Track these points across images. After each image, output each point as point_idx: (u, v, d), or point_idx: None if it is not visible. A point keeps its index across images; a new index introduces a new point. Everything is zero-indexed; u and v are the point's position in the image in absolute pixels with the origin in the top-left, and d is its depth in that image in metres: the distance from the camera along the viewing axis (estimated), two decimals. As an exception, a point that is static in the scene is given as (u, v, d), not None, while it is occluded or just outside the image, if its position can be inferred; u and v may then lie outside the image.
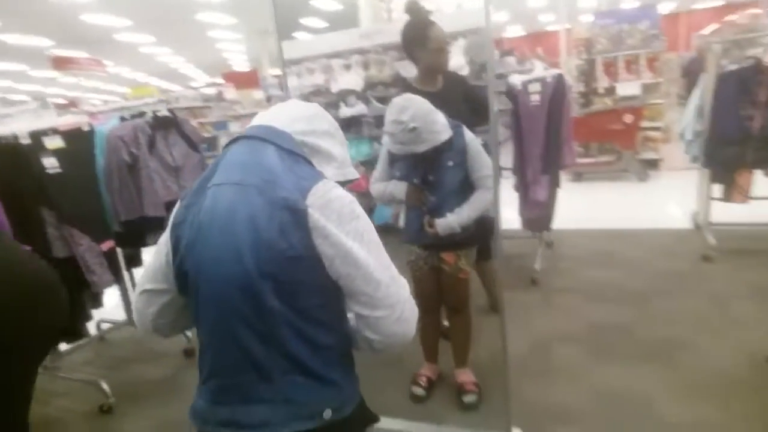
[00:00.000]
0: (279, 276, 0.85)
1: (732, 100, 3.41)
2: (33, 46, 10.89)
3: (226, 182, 0.90)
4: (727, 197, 3.65)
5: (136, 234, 2.74)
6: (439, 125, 1.91)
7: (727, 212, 3.78)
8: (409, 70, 2.74)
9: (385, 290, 0.90)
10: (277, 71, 16.66)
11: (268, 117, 1.01)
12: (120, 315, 3.39)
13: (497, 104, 3.45)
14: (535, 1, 13.25)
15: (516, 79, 3.49)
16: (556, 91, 3.43)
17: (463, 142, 2.02)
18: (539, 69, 3.64)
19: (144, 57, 14.44)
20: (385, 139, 2.09)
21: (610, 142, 6.61)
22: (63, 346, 2.98)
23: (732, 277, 3.26)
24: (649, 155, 6.67)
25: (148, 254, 3.15)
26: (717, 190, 3.74)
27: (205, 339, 0.93)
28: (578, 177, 6.72)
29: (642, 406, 2.17)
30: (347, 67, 4.28)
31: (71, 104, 11.41)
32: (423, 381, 2.40)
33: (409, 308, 0.95)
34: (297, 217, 0.85)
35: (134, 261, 3.00)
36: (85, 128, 2.43)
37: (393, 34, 2.57)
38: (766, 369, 2.28)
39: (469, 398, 2.27)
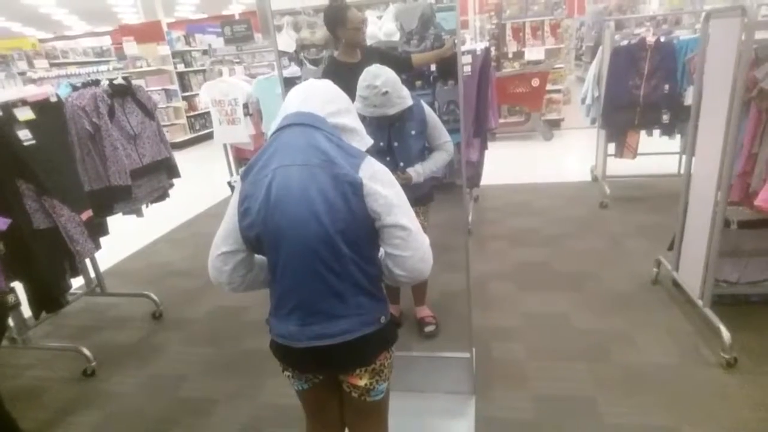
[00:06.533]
0: (346, 231, 1.16)
1: (623, 71, 4.07)
2: None
3: (292, 164, 1.15)
4: (619, 154, 4.39)
5: (103, 203, 2.75)
6: (405, 92, 2.22)
7: (619, 166, 4.56)
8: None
9: (414, 236, 1.19)
10: (170, 21, 15.14)
11: (301, 101, 1.23)
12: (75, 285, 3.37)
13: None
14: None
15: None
16: (485, 62, 3.86)
17: (423, 114, 2.36)
18: (468, 42, 4.03)
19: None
20: (356, 105, 2.30)
21: (519, 104, 7.28)
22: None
23: (623, 220, 4.03)
24: (552, 116, 7.48)
25: (113, 223, 3.17)
26: (611, 147, 4.46)
27: (289, 282, 1.22)
28: (492, 137, 7.34)
29: (561, 322, 2.77)
30: (278, 28, 4.33)
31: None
32: (388, 319, 2.80)
33: (428, 251, 1.24)
34: (355, 188, 1.13)
35: (100, 230, 2.99)
36: (53, 99, 2.37)
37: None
38: (652, 289, 3.01)
39: (429, 328, 2.73)
